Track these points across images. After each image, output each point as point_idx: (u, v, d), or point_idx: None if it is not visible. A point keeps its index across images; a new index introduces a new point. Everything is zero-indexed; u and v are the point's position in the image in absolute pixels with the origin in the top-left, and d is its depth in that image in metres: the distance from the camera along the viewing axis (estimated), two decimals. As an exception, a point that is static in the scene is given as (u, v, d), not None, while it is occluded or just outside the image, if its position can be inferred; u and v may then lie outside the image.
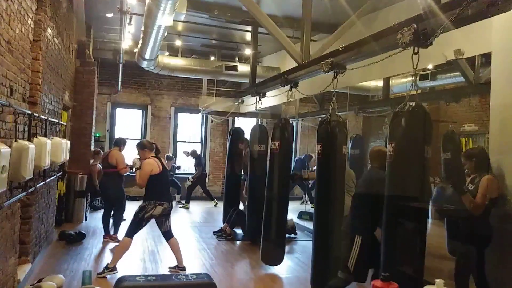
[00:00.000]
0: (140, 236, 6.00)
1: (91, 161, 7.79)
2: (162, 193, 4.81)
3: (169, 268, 4.97)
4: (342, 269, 3.65)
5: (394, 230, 3.13)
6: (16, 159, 3.16)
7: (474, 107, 8.77)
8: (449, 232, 5.56)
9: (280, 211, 5.25)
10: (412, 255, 3.03)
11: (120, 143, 6.54)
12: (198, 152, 10.85)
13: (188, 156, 10.58)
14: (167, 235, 4.95)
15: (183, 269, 4.88)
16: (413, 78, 3.08)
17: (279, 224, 5.24)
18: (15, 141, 3.32)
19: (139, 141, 5.26)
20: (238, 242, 6.61)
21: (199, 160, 10.32)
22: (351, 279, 3.66)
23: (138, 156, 4.95)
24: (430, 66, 7.23)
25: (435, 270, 3.20)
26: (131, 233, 4.73)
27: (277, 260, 5.25)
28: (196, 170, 10.33)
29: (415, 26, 2.82)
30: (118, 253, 4.74)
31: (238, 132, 7.73)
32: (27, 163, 3.30)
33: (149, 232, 6.96)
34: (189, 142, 11.89)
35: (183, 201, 10.22)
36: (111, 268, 4.63)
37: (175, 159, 10.88)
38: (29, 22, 4.13)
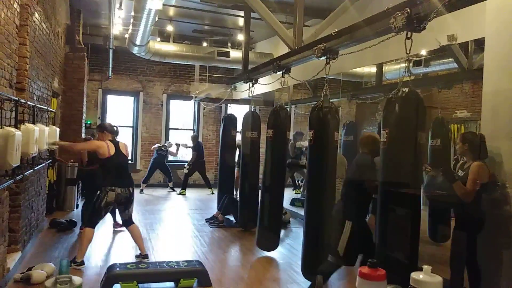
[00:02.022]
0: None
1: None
2: (114, 178, 4.60)
3: (135, 256, 4.83)
4: (332, 253, 3.66)
5: (388, 216, 3.14)
6: (2, 146, 3.10)
7: (467, 94, 8.80)
8: (432, 218, 5.66)
9: (276, 198, 5.27)
10: (406, 241, 3.04)
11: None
12: (200, 139, 10.87)
13: (186, 148, 10.52)
14: (127, 223, 4.81)
15: (146, 256, 4.77)
16: (406, 64, 3.05)
17: (275, 211, 5.28)
18: (1, 127, 3.25)
19: (101, 123, 5.10)
20: (230, 229, 6.61)
21: (198, 147, 10.26)
22: (341, 263, 3.68)
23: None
24: (423, 52, 7.21)
25: (425, 255, 3.21)
26: (92, 223, 4.57)
27: (273, 246, 5.30)
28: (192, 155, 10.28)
29: (408, 10, 2.78)
30: (83, 246, 4.51)
31: (231, 119, 7.67)
32: (14, 150, 3.23)
33: (141, 220, 6.96)
34: (181, 129, 11.82)
35: (179, 188, 10.20)
36: (79, 263, 4.41)
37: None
38: (15, 6, 4.03)
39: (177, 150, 10.50)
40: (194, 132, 11.43)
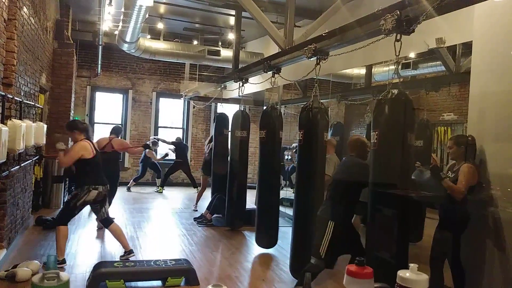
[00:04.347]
0: (120, 222, 5.95)
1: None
2: (95, 177, 4.55)
3: (120, 256, 4.75)
4: (314, 254, 3.66)
5: (378, 216, 3.16)
6: (-12, 141, 3.06)
7: (454, 96, 8.93)
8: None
9: (272, 197, 5.45)
10: (396, 241, 3.07)
11: (119, 132, 6.70)
12: (189, 138, 10.90)
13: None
14: (106, 222, 4.73)
15: (131, 252, 4.72)
16: (395, 66, 3.08)
17: (273, 209, 5.45)
18: (-13, 123, 3.21)
19: (69, 121, 4.98)
20: (218, 228, 6.59)
21: (177, 143, 10.22)
22: (322, 265, 3.65)
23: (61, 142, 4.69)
24: (412, 55, 7.29)
25: (411, 254, 3.25)
26: (65, 221, 4.48)
27: (271, 244, 5.44)
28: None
29: (398, 12, 2.80)
30: (60, 244, 4.40)
31: (223, 118, 7.66)
32: (0, 146, 3.19)
33: (128, 218, 6.92)
34: (171, 127, 11.77)
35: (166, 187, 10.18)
36: (60, 261, 4.28)
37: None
38: (3, -1, 3.98)
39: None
40: (183, 130, 11.39)
